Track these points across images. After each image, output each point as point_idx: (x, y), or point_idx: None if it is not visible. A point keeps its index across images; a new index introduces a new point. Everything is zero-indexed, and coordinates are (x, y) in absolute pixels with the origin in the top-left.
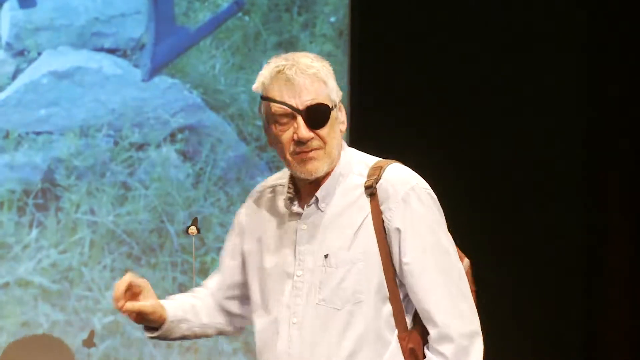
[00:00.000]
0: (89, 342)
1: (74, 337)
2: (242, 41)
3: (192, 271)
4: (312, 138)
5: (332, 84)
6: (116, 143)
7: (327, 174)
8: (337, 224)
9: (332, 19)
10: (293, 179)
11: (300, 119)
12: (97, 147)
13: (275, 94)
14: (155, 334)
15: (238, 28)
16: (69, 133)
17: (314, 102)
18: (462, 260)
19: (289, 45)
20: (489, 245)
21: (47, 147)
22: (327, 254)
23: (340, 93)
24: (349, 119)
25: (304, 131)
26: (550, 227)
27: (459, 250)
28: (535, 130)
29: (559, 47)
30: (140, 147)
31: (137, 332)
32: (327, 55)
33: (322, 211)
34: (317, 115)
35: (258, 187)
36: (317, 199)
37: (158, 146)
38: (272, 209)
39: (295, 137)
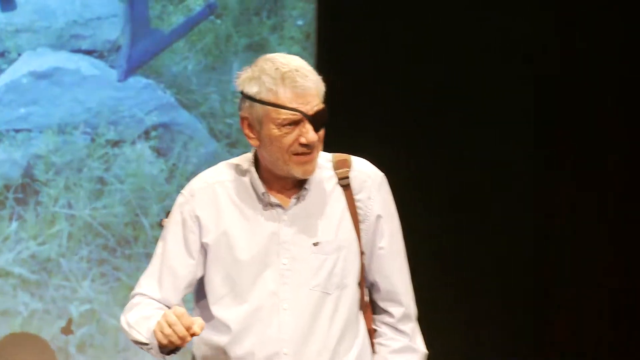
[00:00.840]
0: (66, 330)
1: (52, 324)
2: (213, 43)
3: None
4: (316, 142)
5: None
6: (93, 140)
7: None
8: (320, 214)
9: (300, 22)
10: (260, 174)
11: (308, 124)
12: (74, 144)
13: (284, 100)
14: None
15: (210, 31)
16: (48, 131)
17: (320, 107)
18: None
19: (258, 47)
20: (438, 244)
21: (26, 144)
22: (318, 242)
23: None
24: None
25: (314, 135)
26: (499, 225)
27: None
28: (489, 132)
29: (510, 54)
30: (116, 144)
31: (112, 319)
32: None
33: (301, 203)
34: (322, 119)
35: (199, 183)
36: (306, 190)
37: (133, 143)
38: (234, 204)
39: (302, 140)
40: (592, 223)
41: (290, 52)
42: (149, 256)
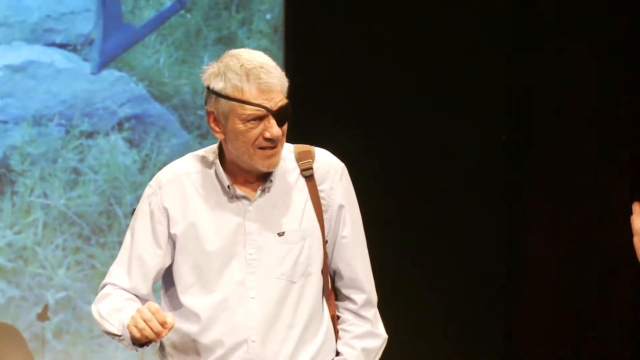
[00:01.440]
0: (43, 316)
1: (29, 311)
2: (184, 37)
3: None
4: (281, 136)
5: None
6: (67, 132)
7: None
8: (284, 204)
9: (268, 16)
10: (225, 166)
11: (272, 119)
12: (49, 136)
13: (249, 96)
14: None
15: (180, 25)
16: (23, 122)
17: (283, 103)
18: None
19: (228, 40)
20: (408, 240)
21: (2, 136)
22: (283, 232)
23: None
24: None
25: (277, 130)
26: (471, 223)
27: None
28: (459, 126)
29: (486, 48)
30: (90, 135)
31: (88, 306)
32: (263, 50)
33: (266, 194)
34: (285, 114)
35: (167, 175)
36: (271, 182)
37: (106, 134)
38: (200, 195)
39: (267, 135)
40: (563, 214)
41: (258, 46)
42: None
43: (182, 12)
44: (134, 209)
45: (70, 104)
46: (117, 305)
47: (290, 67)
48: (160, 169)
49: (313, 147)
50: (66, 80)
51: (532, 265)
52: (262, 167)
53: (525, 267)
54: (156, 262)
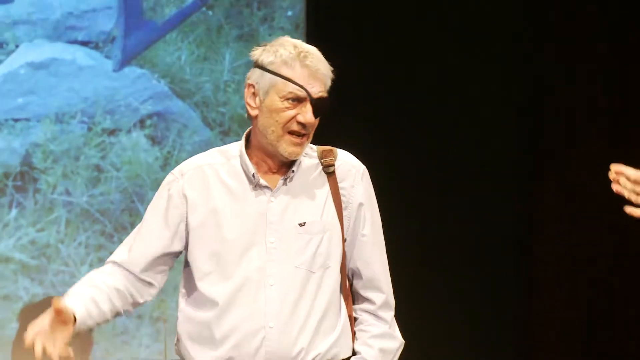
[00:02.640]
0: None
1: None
2: (205, 34)
3: None
4: (312, 124)
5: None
6: (89, 129)
7: None
8: (306, 196)
9: (289, 13)
10: (250, 156)
11: (309, 104)
12: (71, 133)
13: (296, 74)
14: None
15: (202, 22)
16: (45, 120)
17: (323, 95)
18: None
19: (249, 37)
20: (422, 236)
21: (25, 133)
22: (304, 222)
23: None
24: None
25: (311, 117)
26: (483, 217)
27: None
28: (474, 122)
29: (498, 48)
30: (112, 132)
31: None
32: None
33: (287, 185)
34: (322, 106)
35: (190, 165)
36: (293, 172)
37: (128, 131)
38: (223, 185)
39: (300, 118)
40: (577, 214)
41: None
42: None
43: (204, 9)
44: None
45: (92, 101)
46: (76, 289)
47: None
48: None
49: (335, 148)
50: (88, 78)
51: (548, 265)
52: (285, 152)
53: (541, 267)
54: (161, 244)
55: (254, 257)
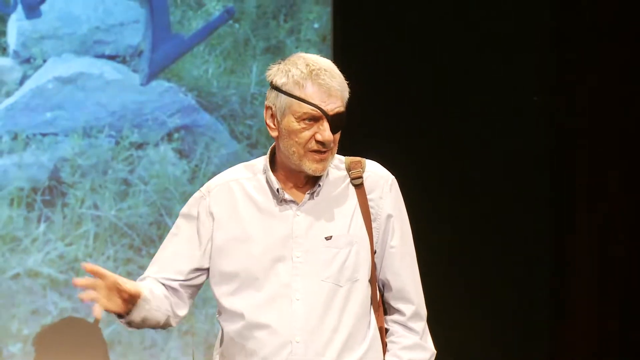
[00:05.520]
0: (94, 329)
1: (81, 323)
2: (232, 47)
3: None
4: (331, 141)
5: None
6: (117, 143)
7: None
8: (332, 210)
9: (316, 25)
10: (275, 172)
11: (326, 122)
12: (99, 147)
13: (308, 94)
14: (127, 319)
15: (229, 35)
16: (73, 134)
17: (340, 110)
18: None
19: (276, 50)
20: (456, 241)
21: (53, 148)
22: (330, 236)
23: None
24: None
25: (329, 135)
26: (518, 225)
27: None
28: (504, 127)
29: (526, 48)
30: (140, 146)
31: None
32: None
33: (313, 199)
34: (340, 122)
35: (217, 181)
36: (319, 187)
37: (156, 145)
38: (250, 200)
39: (319, 137)
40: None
41: None
42: None
43: (230, 22)
44: None
45: (119, 115)
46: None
47: None
48: (210, 179)
49: (364, 158)
50: (115, 92)
51: (579, 270)
52: (310, 170)
53: (572, 272)
54: (190, 261)
55: (280, 272)
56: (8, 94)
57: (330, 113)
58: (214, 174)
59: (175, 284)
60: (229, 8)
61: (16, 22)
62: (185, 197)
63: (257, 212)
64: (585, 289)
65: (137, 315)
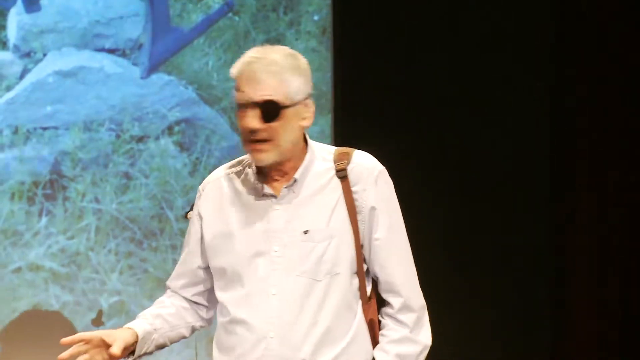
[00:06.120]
0: (97, 321)
1: (83, 316)
2: (232, 39)
3: None
4: (260, 130)
5: (296, 82)
6: (118, 136)
7: (300, 160)
8: (313, 203)
9: (316, 18)
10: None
11: (252, 110)
12: (100, 140)
13: (239, 83)
14: (135, 356)
15: (229, 27)
16: (74, 128)
17: (267, 98)
18: None
19: (276, 42)
20: (459, 238)
21: (53, 141)
22: (308, 230)
23: (308, 90)
24: (333, 110)
25: (251, 122)
26: (517, 226)
27: None
28: (504, 127)
29: (527, 50)
30: (140, 139)
31: (140, 310)
32: (311, 51)
33: (294, 192)
34: (268, 110)
35: (211, 178)
36: (295, 180)
37: (157, 138)
38: (235, 194)
39: (244, 124)
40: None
41: (307, 47)
42: (174, 248)
43: (230, 14)
44: (186, 212)
45: (120, 109)
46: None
47: (339, 67)
48: (210, 172)
49: (354, 149)
50: (116, 85)
51: (579, 267)
52: (253, 160)
53: (573, 269)
54: (200, 262)
55: (259, 267)
56: (8, 88)
57: (255, 99)
58: (215, 167)
59: (194, 289)
60: (228, 1)
61: (16, 16)
62: (186, 190)
63: (240, 207)
64: (585, 288)
65: (145, 349)
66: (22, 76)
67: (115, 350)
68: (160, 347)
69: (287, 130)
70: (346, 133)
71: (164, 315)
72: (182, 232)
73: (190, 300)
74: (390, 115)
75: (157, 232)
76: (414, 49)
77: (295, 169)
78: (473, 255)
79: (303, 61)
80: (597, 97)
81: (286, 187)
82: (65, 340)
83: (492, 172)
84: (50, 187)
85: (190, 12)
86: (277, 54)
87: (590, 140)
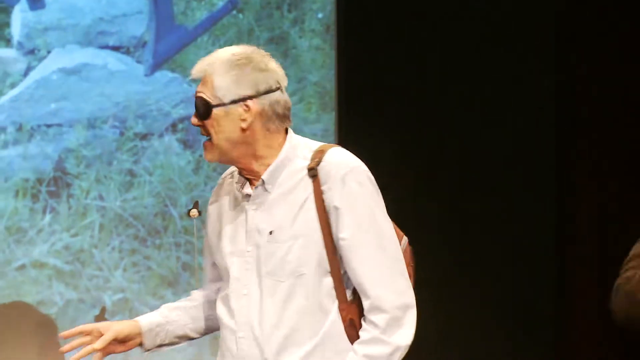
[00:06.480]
0: (100, 318)
1: (87, 313)
2: (236, 37)
3: (194, 251)
4: (198, 126)
5: (225, 82)
6: (122, 133)
7: (274, 158)
8: (282, 203)
9: (320, 15)
10: None
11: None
12: (104, 138)
13: None
14: (145, 348)
15: (233, 25)
16: (78, 125)
17: (198, 95)
18: (400, 238)
19: (280, 40)
20: (459, 229)
21: (57, 139)
22: (272, 230)
23: (243, 92)
24: (336, 108)
25: (192, 118)
26: (520, 213)
27: (397, 228)
28: (507, 119)
29: (531, 44)
30: (144, 136)
31: (145, 308)
32: (315, 49)
33: (268, 192)
34: (198, 107)
35: (222, 176)
36: (262, 181)
37: (160, 136)
38: (228, 194)
39: None
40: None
41: (310, 44)
42: (178, 245)
43: (234, 12)
44: (189, 210)
45: (124, 106)
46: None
47: (343, 65)
48: (214, 169)
49: (331, 146)
50: (120, 83)
51: (581, 268)
52: None
53: (575, 269)
54: (209, 259)
55: (235, 267)
56: (12, 86)
57: (195, 96)
58: (218, 165)
59: (215, 285)
60: None
61: (20, 14)
62: (190, 188)
63: (228, 207)
64: (586, 287)
65: (159, 341)
66: (26, 73)
67: (97, 345)
68: (183, 338)
69: (220, 130)
70: (350, 131)
71: (185, 307)
72: (186, 230)
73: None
74: (394, 113)
75: (161, 230)
76: (418, 47)
77: (262, 169)
78: (475, 255)
79: (246, 63)
80: (599, 96)
81: (257, 188)
82: (64, 333)
83: (494, 170)
84: (54, 185)
85: (194, 10)
86: (223, 54)
87: (592, 139)
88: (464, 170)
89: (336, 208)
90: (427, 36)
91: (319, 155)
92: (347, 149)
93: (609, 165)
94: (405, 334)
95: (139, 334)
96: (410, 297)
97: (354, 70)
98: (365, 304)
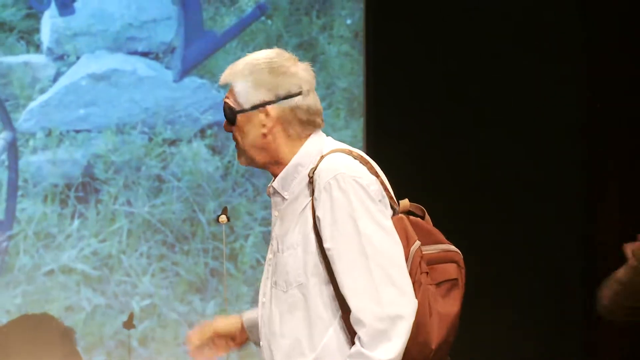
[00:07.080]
0: (128, 324)
1: (115, 319)
2: (265, 43)
3: (223, 257)
4: (229, 131)
5: (244, 87)
6: (150, 139)
7: (283, 165)
8: (289, 211)
9: (349, 22)
10: None
11: None
12: (132, 144)
13: None
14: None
15: (261, 31)
16: (107, 131)
17: (224, 101)
18: (410, 243)
19: (309, 46)
20: (488, 236)
21: (86, 144)
22: (277, 241)
23: (262, 98)
24: (365, 113)
25: (224, 123)
26: (548, 222)
27: (408, 233)
28: (536, 124)
29: (560, 45)
30: (173, 142)
31: (173, 313)
32: (344, 55)
33: (285, 199)
34: (225, 113)
35: None
36: (274, 189)
37: (189, 141)
38: None
39: None
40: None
41: (339, 51)
42: (206, 251)
43: (263, 18)
44: (218, 216)
45: (152, 112)
46: None
47: (371, 71)
48: (243, 175)
49: (331, 151)
50: (148, 88)
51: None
52: None
53: (603, 266)
54: None
55: (263, 275)
56: (42, 91)
57: (223, 102)
58: (247, 171)
59: None
60: (261, 4)
61: (50, 20)
62: (218, 193)
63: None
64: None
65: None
66: (55, 79)
67: (191, 344)
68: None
69: (245, 135)
70: (378, 137)
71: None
72: (214, 236)
73: None
74: (422, 118)
75: (189, 236)
76: (447, 51)
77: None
78: (504, 263)
79: (265, 67)
80: (629, 103)
81: (274, 195)
82: (190, 336)
83: (525, 175)
84: (82, 190)
85: (223, 16)
86: (247, 59)
87: (621, 147)
88: (491, 176)
89: (318, 218)
90: (455, 43)
91: (319, 161)
92: (375, 155)
93: (636, 170)
94: (392, 347)
95: (242, 329)
96: (400, 307)
97: (382, 77)
98: (349, 316)
